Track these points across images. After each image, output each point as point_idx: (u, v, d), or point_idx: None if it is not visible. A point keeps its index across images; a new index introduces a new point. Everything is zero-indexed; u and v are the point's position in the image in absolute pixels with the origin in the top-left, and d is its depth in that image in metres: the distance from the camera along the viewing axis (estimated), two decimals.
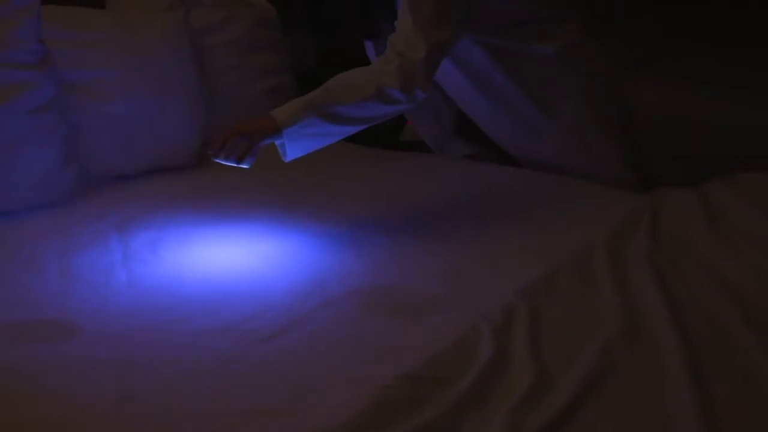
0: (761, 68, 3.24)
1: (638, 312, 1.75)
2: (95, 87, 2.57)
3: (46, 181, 2.40)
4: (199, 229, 2.29)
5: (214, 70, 2.85)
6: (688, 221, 2.11)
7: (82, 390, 1.60)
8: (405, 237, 2.18)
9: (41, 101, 2.40)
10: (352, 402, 1.48)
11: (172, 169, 2.61)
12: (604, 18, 3.56)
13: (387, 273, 2.02)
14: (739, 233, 2.07)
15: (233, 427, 1.48)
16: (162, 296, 1.95)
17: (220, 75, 2.87)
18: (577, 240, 2.06)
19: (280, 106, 2.22)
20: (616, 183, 2.43)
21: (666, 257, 1.97)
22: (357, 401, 1.48)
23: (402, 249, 2.13)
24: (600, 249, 1.99)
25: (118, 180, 2.60)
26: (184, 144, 2.66)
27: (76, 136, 2.52)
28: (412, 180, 2.55)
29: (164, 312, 1.88)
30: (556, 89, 2.50)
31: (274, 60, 3.03)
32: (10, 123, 2.33)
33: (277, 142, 2.22)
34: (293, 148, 2.23)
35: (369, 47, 2.71)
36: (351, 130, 2.28)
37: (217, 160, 2.19)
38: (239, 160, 2.18)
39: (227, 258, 2.13)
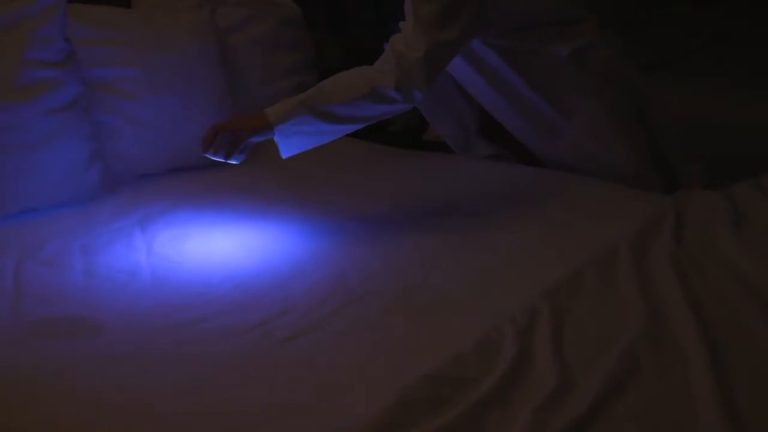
0: None
1: (662, 313, 1.74)
2: (120, 85, 2.58)
3: (71, 179, 2.42)
4: (221, 227, 2.30)
5: (239, 69, 2.86)
6: (713, 223, 2.09)
7: (105, 388, 1.61)
8: (427, 237, 2.18)
9: (66, 99, 2.41)
10: (374, 402, 1.48)
11: (196, 167, 2.61)
12: (624, 19, 3.55)
13: (409, 273, 2.01)
14: (765, 236, 2.06)
15: (255, 427, 1.48)
16: (185, 295, 1.96)
17: (244, 74, 2.87)
18: (601, 241, 2.05)
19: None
20: (636, 183, 2.42)
21: (690, 259, 1.95)
22: (379, 401, 1.47)
23: (424, 249, 2.12)
24: (624, 250, 1.98)
25: (142, 178, 2.61)
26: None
27: (101, 135, 2.53)
28: (434, 180, 2.54)
29: (187, 310, 1.89)
30: (571, 90, 2.48)
31: (298, 59, 3.03)
32: (35, 121, 2.35)
33: (276, 139, 2.23)
34: (287, 145, 2.25)
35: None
36: (346, 128, 2.29)
37: (207, 156, 2.22)
38: (227, 156, 2.21)
39: (249, 257, 2.14)
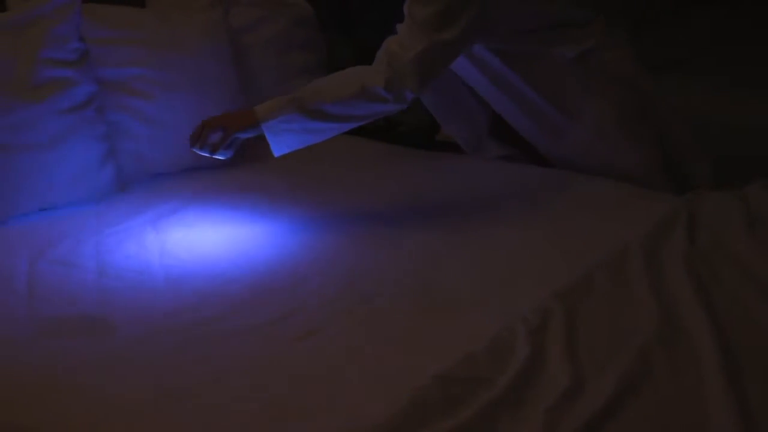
0: None
1: (675, 314, 1.74)
2: (134, 85, 2.58)
3: (85, 178, 2.43)
4: (232, 227, 2.30)
5: (252, 69, 2.86)
6: (727, 225, 2.09)
7: (117, 386, 1.62)
8: (438, 236, 2.17)
9: (80, 99, 2.42)
10: (386, 402, 1.48)
11: (208, 167, 2.62)
12: (633, 19, 3.55)
13: (420, 272, 2.01)
14: None
15: (266, 427, 1.48)
16: (197, 294, 1.96)
17: (257, 73, 2.87)
18: (613, 241, 2.05)
19: None
20: (644, 183, 2.42)
21: (703, 260, 1.95)
22: (392, 401, 1.47)
23: (435, 248, 2.12)
24: (636, 250, 1.97)
25: (154, 177, 2.62)
26: None
27: (114, 134, 2.54)
28: (445, 180, 2.54)
29: (198, 310, 1.89)
30: (576, 92, 2.47)
31: (310, 59, 3.04)
32: (49, 120, 2.35)
33: (269, 138, 2.24)
34: (277, 142, 2.26)
35: None
36: (337, 127, 2.29)
37: (194, 150, 2.25)
38: (212, 151, 2.24)
39: (260, 256, 2.14)
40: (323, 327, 1.78)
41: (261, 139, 2.28)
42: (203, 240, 2.24)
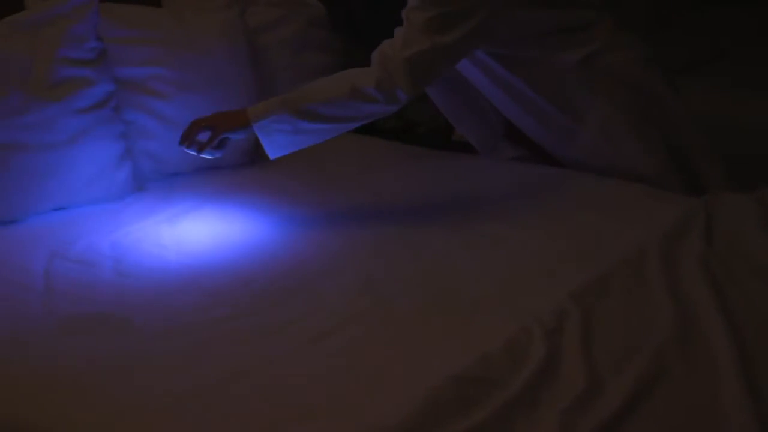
0: None
1: (691, 316, 1.73)
2: (150, 85, 2.59)
3: (102, 177, 2.43)
4: (248, 227, 2.30)
5: (268, 69, 2.86)
6: (744, 226, 2.08)
7: (131, 385, 1.62)
8: (454, 237, 2.17)
9: (98, 98, 2.43)
10: (401, 402, 1.48)
11: (224, 167, 2.62)
12: (647, 20, 3.53)
13: (436, 273, 2.01)
14: None
15: (281, 427, 1.48)
16: (213, 293, 1.96)
17: (273, 73, 2.87)
18: (629, 242, 2.04)
19: None
20: (658, 184, 2.41)
21: (720, 262, 1.94)
22: (407, 402, 1.47)
23: (452, 248, 2.12)
24: (653, 251, 1.97)
25: (171, 177, 2.62)
26: (237, 142, 2.68)
27: (131, 134, 2.54)
28: (461, 180, 2.54)
29: (214, 309, 1.89)
30: (580, 94, 2.45)
31: (326, 60, 3.04)
32: (67, 119, 2.36)
33: (261, 139, 2.26)
34: (269, 143, 2.27)
35: None
36: (329, 127, 2.29)
37: (183, 148, 2.28)
38: (199, 150, 2.26)
39: (276, 256, 2.14)
40: (339, 327, 1.78)
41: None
42: (219, 240, 2.24)
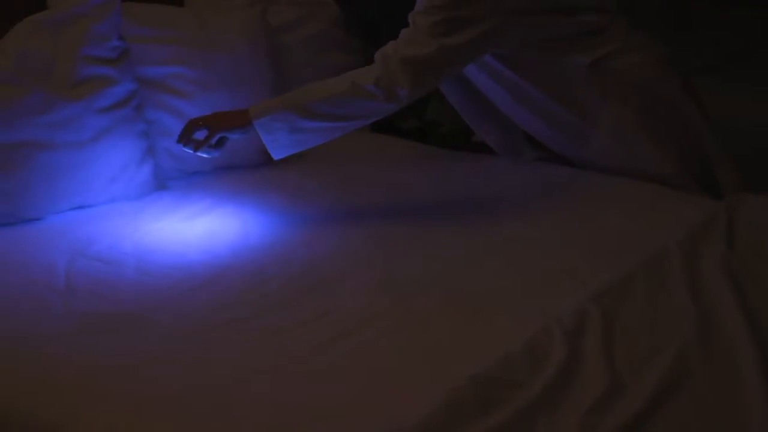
0: None
1: (713, 318, 1.73)
2: (172, 83, 2.59)
3: (124, 175, 2.44)
4: (268, 226, 2.30)
5: (290, 68, 2.87)
6: (766, 229, 2.07)
7: (147, 384, 1.63)
8: (473, 237, 2.17)
9: (120, 97, 2.43)
10: (421, 403, 1.48)
11: (244, 166, 2.63)
12: (667, 21, 3.51)
13: (456, 273, 2.01)
14: None
15: (300, 427, 1.48)
16: (232, 292, 1.97)
17: (295, 73, 2.88)
18: (650, 243, 2.04)
19: None
20: (674, 186, 2.40)
21: (742, 264, 1.93)
22: (426, 402, 1.47)
23: (471, 249, 2.12)
24: (674, 253, 1.96)
25: (192, 176, 2.63)
26: (258, 142, 2.69)
27: (153, 132, 2.55)
28: (480, 181, 2.53)
29: (234, 308, 1.89)
30: (592, 98, 2.44)
31: (346, 59, 3.04)
32: (89, 118, 2.37)
33: (263, 138, 2.26)
34: (271, 141, 2.28)
35: None
36: (330, 126, 2.29)
37: (180, 146, 2.30)
38: (195, 149, 2.28)
39: (295, 255, 2.13)
40: (357, 327, 1.78)
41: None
42: (237, 239, 2.24)
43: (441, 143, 2.93)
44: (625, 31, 2.45)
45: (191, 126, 2.29)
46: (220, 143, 2.30)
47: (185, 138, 2.29)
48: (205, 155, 2.31)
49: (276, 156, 2.31)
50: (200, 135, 2.28)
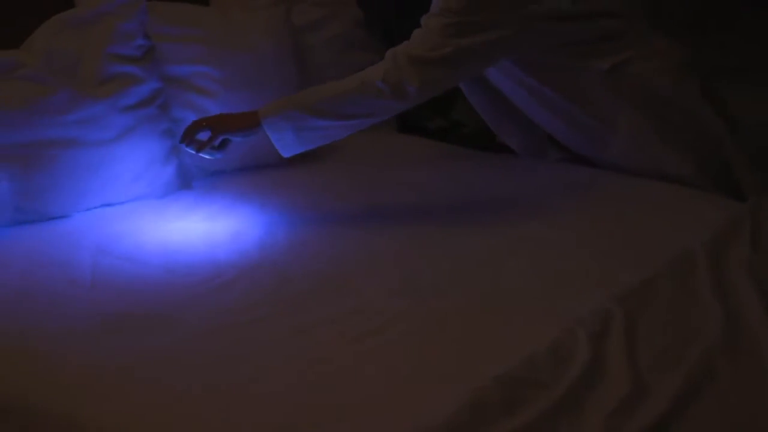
0: None
1: (739, 320, 1.72)
2: (197, 82, 2.60)
3: (148, 174, 2.45)
4: (291, 225, 2.30)
5: (314, 68, 2.87)
6: None
7: (170, 382, 1.63)
8: (497, 238, 2.17)
9: (145, 95, 2.44)
10: (445, 403, 1.47)
11: (269, 166, 2.63)
12: (691, 25, 3.49)
13: (480, 274, 2.00)
14: None
15: (324, 426, 1.49)
16: (256, 291, 1.97)
17: (319, 73, 2.88)
18: (674, 245, 2.03)
19: None
20: (695, 187, 2.39)
21: (767, 268, 1.92)
22: (451, 401, 1.47)
23: (494, 249, 2.11)
24: (700, 255, 1.95)
25: (216, 174, 2.63)
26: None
27: (178, 131, 2.55)
28: (504, 181, 2.53)
29: (257, 307, 1.89)
30: (609, 102, 2.43)
31: (371, 59, 3.03)
32: (114, 116, 2.38)
33: (270, 136, 2.26)
34: (279, 139, 2.27)
35: None
36: (338, 125, 2.28)
37: (182, 146, 2.31)
38: (197, 150, 2.28)
39: (318, 255, 2.14)
40: (381, 327, 1.78)
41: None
42: (263, 238, 2.24)
43: (465, 143, 2.93)
44: (644, 36, 2.44)
45: (195, 126, 2.29)
46: (223, 145, 2.29)
47: (188, 138, 2.28)
48: (207, 156, 2.31)
49: (285, 154, 2.31)
50: (204, 136, 2.28)
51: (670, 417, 1.45)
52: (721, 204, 2.28)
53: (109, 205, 2.41)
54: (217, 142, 2.28)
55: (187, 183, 2.55)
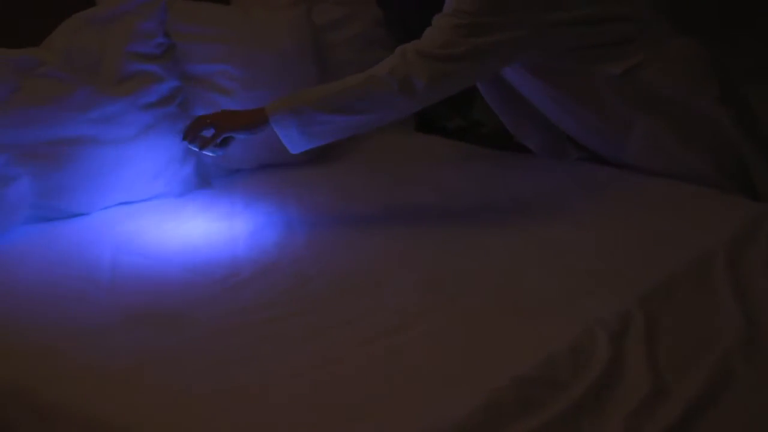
0: None
1: (758, 321, 1.71)
2: (217, 81, 2.60)
3: (167, 172, 2.45)
4: (310, 225, 2.30)
5: (334, 67, 2.87)
6: None
7: (188, 380, 1.64)
8: (517, 237, 2.16)
9: (164, 93, 2.44)
10: (463, 402, 1.48)
11: (288, 164, 2.63)
12: (711, 27, 3.47)
13: (499, 274, 2.00)
14: None
15: (342, 425, 1.49)
16: (274, 290, 1.97)
17: (339, 72, 2.87)
18: (695, 245, 2.02)
19: None
20: (714, 187, 2.37)
21: None
22: (470, 401, 1.47)
23: (515, 249, 2.11)
24: (719, 256, 1.94)
25: (235, 173, 2.63)
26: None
27: None
28: (523, 181, 2.52)
29: (276, 306, 1.90)
30: (623, 107, 2.42)
31: None
32: (134, 114, 2.38)
33: (278, 132, 2.25)
34: (286, 136, 2.26)
35: None
36: (348, 120, 2.27)
37: (186, 143, 2.30)
38: (201, 147, 2.27)
39: (338, 254, 2.14)
40: (400, 327, 1.78)
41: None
42: (282, 237, 2.24)
43: (484, 143, 2.92)
44: (660, 40, 2.42)
45: (198, 123, 2.28)
46: (225, 142, 2.28)
47: (191, 135, 2.28)
48: (209, 153, 2.30)
49: (293, 150, 2.30)
50: (208, 133, 2.27)
51: (689, 418, 1.45)
52: (741, 204, 2.27)
53: (128, 203, 2.41)
54: (219, 140, 2.27)
55: (205, 181, 2.55)
